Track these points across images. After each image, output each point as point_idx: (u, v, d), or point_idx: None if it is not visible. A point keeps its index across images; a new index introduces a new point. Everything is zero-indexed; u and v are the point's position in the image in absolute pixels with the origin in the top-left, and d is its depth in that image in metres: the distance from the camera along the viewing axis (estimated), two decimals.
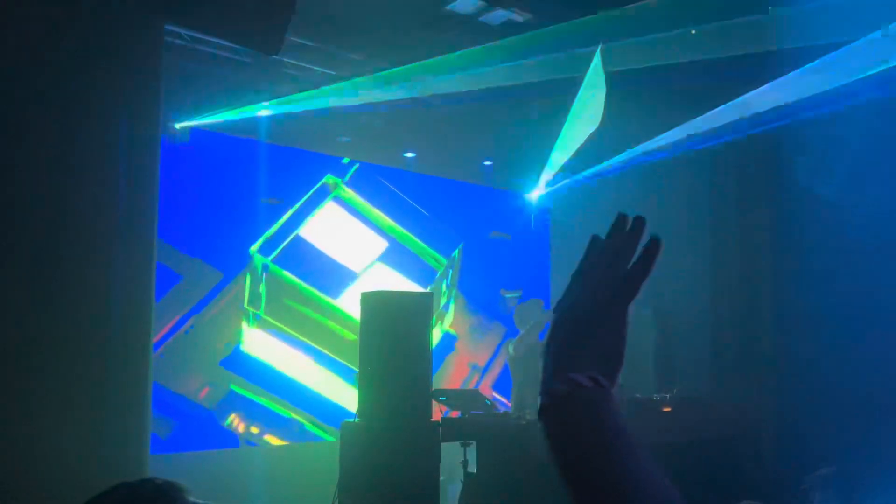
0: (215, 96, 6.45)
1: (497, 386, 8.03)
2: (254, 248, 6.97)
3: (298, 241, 7.18)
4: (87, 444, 3.97)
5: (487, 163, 8.26)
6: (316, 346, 7.14)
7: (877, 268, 6.28)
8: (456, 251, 8.25)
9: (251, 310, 6.89)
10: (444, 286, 8.11)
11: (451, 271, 8.18)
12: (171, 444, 6.24)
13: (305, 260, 7.19)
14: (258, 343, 6.91)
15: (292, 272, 7.12)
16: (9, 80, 3.84)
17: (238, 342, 6.81)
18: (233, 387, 6.73)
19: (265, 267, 6.98)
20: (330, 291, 7.27)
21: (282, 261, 7.08)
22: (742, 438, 5.86)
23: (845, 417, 5.99)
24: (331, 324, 7.22)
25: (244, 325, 6.85)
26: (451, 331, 8.07)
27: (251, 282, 6.92)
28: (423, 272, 7.94)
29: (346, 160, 7.59)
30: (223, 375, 6.69)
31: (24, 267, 3.89)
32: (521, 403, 5.93)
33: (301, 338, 7.10)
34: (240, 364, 6.78)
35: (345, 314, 7.16)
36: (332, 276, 7.30)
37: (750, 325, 6.85)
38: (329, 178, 7.48)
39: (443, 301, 8.08)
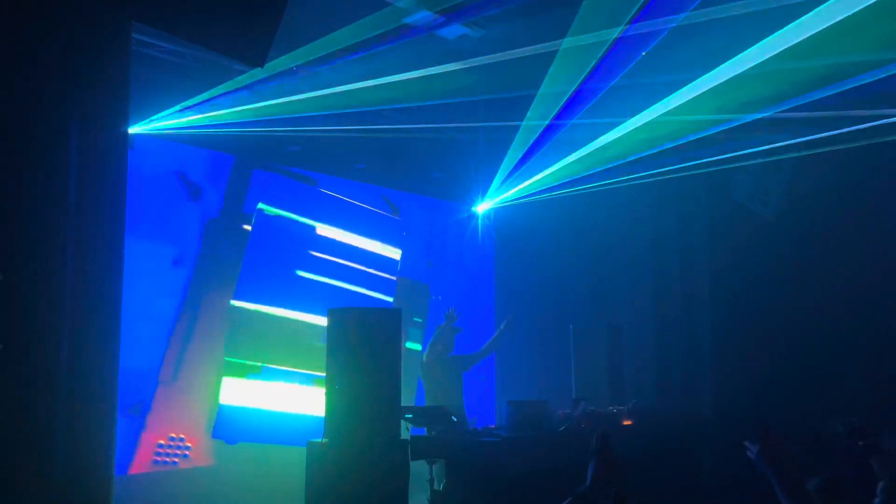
0: (161, 102, 6.16)
1: None
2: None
3: (250, 269, 7.04)
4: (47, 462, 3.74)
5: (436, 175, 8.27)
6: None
7: (806, 281, 6.71)
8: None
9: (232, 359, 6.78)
10: None
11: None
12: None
13: (266, 288, 7.10)
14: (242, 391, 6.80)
15: (260, 304, 7.03)
16: None
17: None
18: None
19: (235, 309, 6.91)
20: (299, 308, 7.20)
21: (244, 295, 6.96)
22: (692, 448, 6.09)
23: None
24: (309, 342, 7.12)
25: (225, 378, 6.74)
26: None
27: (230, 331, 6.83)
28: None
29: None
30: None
31: None
32: None
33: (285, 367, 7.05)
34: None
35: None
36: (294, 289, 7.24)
37: (691, 337, 7.14)
38: (262, 206, 7.28)
39: None
